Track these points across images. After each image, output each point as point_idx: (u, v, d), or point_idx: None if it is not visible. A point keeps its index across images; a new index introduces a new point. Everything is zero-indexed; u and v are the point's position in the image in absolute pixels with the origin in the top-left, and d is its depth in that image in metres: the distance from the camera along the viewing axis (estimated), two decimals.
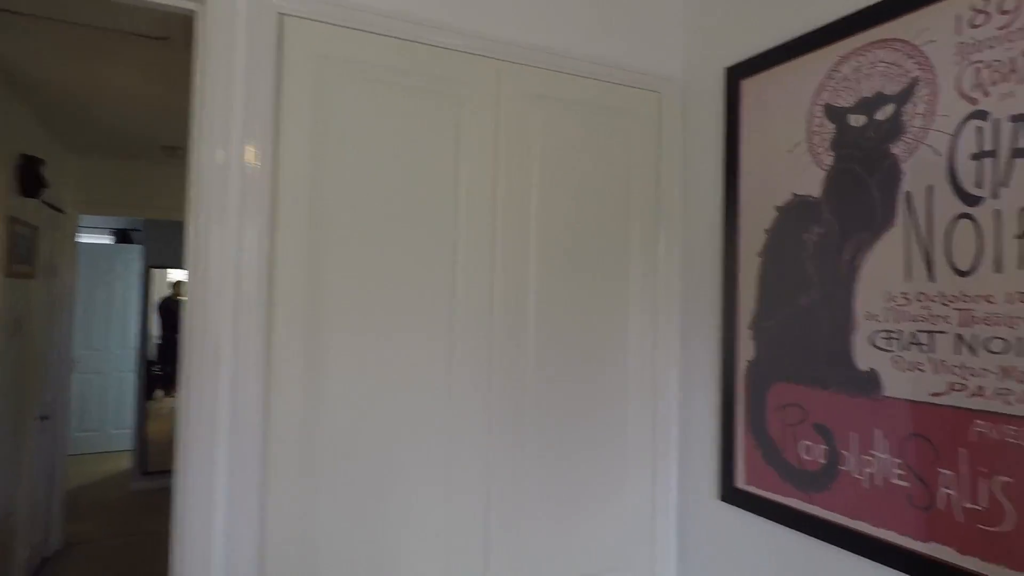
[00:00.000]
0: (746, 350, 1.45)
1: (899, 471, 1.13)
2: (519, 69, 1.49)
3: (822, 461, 1.27)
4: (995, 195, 1.01)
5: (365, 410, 1.31)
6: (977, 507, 1.02)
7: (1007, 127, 1.00)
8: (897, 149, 1.15)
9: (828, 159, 1.28)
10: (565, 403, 1.54)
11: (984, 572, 1.00)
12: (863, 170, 1.21)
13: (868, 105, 1.20)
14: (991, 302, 1.01)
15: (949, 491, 1.06)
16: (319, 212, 1.28)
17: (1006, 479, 0.98)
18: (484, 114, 1.44)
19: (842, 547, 1.21)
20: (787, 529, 1.34)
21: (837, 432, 1.24)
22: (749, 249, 1.45)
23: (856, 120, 1.22)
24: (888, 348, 1.16)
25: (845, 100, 1.25)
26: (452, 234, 1.40)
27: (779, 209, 1.38)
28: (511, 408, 1.47)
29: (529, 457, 1.49)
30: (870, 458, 1.18)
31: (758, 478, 1.41)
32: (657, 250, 1.66)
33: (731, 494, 1.48)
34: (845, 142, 1.24)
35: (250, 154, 1.21)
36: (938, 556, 1.07)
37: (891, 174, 1.16)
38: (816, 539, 1.27)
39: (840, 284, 1.24)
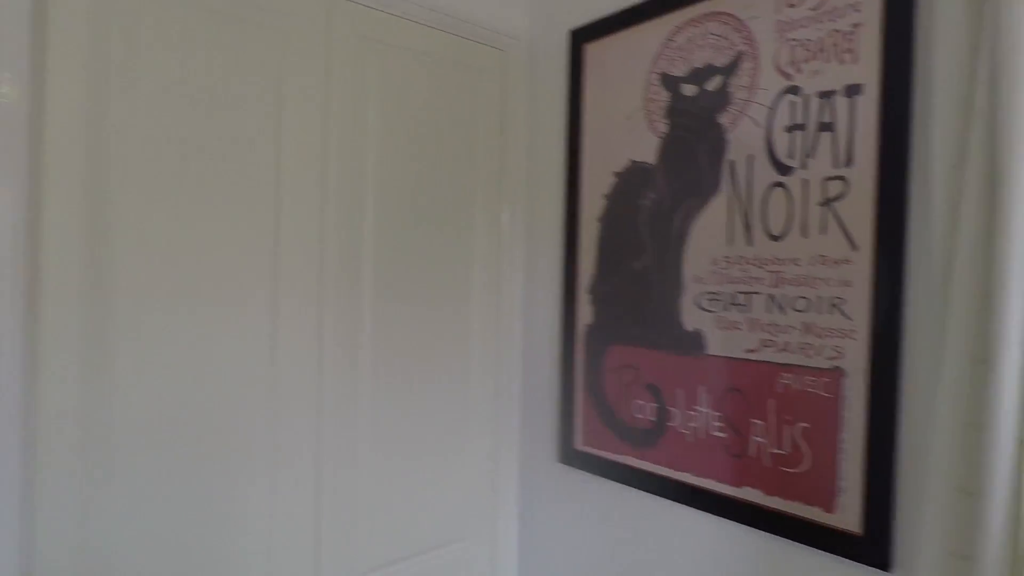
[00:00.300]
0: (585, 314, 1.48)
1: (718, 423, 1.21)
2: (353, 7, 1.35)
3: (652, 419, 1.33)
4: (804, 165, 1.09)
5: (169, 398, 1.13)
6: (781, 452, 1.12)
7: (815, 102, 1.08)
8: (724, 119, 1.20)
9: (663, 126, 1.31)
10: (404, 372, 1.47)
11: (785, 509, 1.11)
12: (693, 138, 1.25)
13: (699, 75, 1.25)
14: (798, 264, 1.10)
15: (759, 439, 1.15)
16: (102, 161, 1.05)
17: (805, 425, 1.09)
18: (313, 54, 1.29)
19: (670, 498, 1.28)
20: (622, 486, 1.40)
21: (666, 391, 1.30)
22: (589, 214, 1.47)
23: (688, 89, 1.26)
24: (712, 309, 1.22)
25: (679, 69, 1.28)
26: (274, 189, 1.24)
27: (618, 175, 1.40)
28: (345, 382, 1.36)
29: (364, 435, 1.40)
30: (694, 413, 1.25)
31: (596, 438, 1.45)
32: (501, 213, 1.63)
33: (570, 456, 1.51)
34: (678, 110, 1.28)
35: None
36: (749, 499, 1.16)
37: (717, 143, 1.21)
38: (648, 493, 1.34)
39: (671, 248, 1.29)
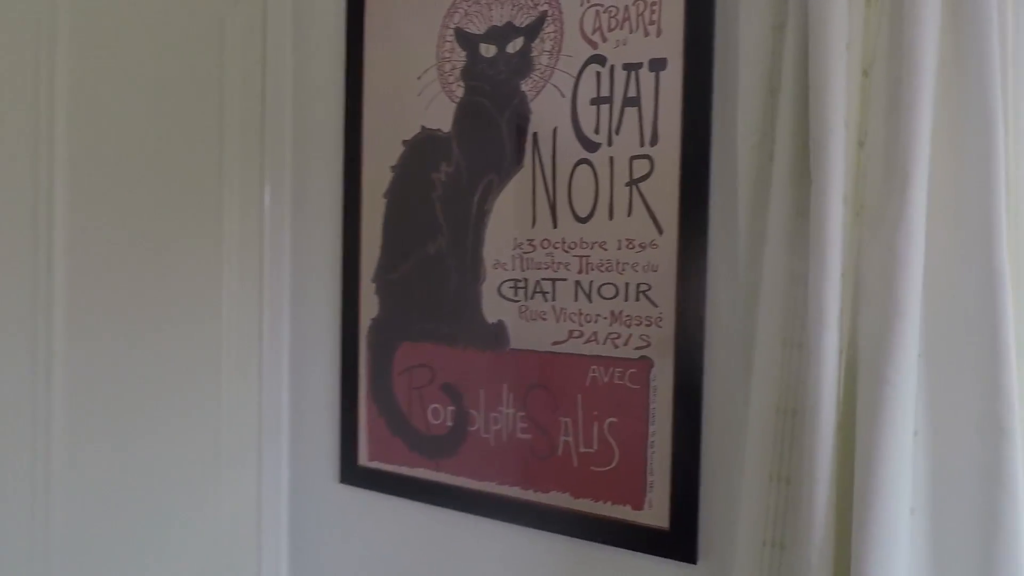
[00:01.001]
0: (370, 306, 1.26)
1: (523, 424, 1.10)
2: None
3: (450, 424, 1.17)
4: (610, 142, 1.01)
5: None
6: (590, 450, 1.04)
7: (621, 75, 1.01)
8: (527, 86, 1.08)
9: (459, 90, 1.15)
10: (131, 396, 1.10)
11: (595, 512, 1.03)
12: (493, 106, 1.11)
13: (499, 35, 1.11)
14: (605, 249, 1.02)
15: (567, 438, 1.06)
16: None
17: (613, 419, 1.02)
18: None
19: (473, 512, 1.14)
20: (414, 503, 1.21)
21: (466, 392, 1.15)
22: (373, 190, 1.25)
23: (487, 50, 1.12)
24: (515, 298, 1.10)
25: (477, 26, 1.13)
26: None
27: (407, 144, 1.20)
28: (33, 415, 0.96)
29: (87, 477, 1.01)
30: (497, 415, 1.12)
31: (384, 451, 1.24)
32: (263, 191, 1.32)
33: (353, 474, 1.28)
34: (476, 73, 1.13)
35: None
36: (558, 504, 1.07)
37: (520, 112, 1.09)
38: (444, 508, 1.17)
39: (470, 230, 1.14)
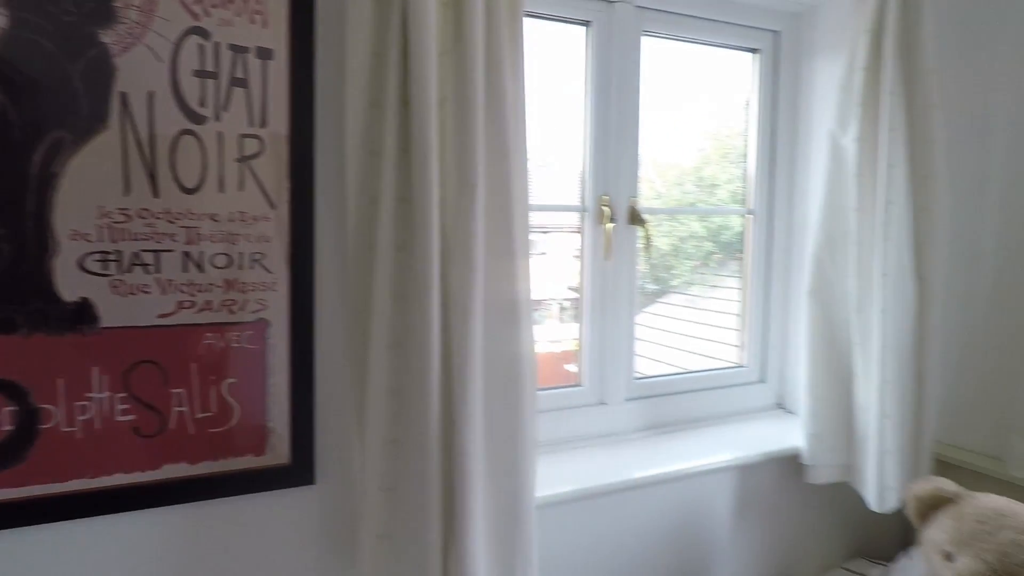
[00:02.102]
0: None
1: (124, 406, 1.03)
2: None
3: (10, 428, 0.97)
4: (218, 117, 1.05)
5: None
6: (208, 414, 1.08)
7: (227, 54, 1.05)
8: (108, 39, 0.98)
9: (1, 18, 0.92)
10: None
11: (217, 470, 1.09)
12: (60, 52, 0.95)
13: None
14: (216, 220, 1.06)
15: (182, 408, 1.06)
16: None
17: (233, 380, 1.09)
18: None
19: (64, 519, 0.99)
20: None
21: (36, 385, 0.97)
22: None
23: None
24: (106, 272, 1.00)
25: None
26: None
27: None
28: None
29: None
30: (87, 403, 1.01)
31: None
32: None
33: None
34: (29, 3, 0.93)
35: None
36: (173, 476, 1.06)
37: (101, 67, 0.98)
38: (25, 527, 0.97)
39: (31, 194, 0.95)
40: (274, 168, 1.09)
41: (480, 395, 1.05)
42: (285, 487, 1.14)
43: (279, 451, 1.14)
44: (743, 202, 1.86)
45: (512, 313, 1.09)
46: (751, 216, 1.84)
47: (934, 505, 1.28)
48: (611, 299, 1.61)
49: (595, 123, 1.56)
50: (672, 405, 1.72)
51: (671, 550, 1.52)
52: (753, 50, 1.80)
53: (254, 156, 1.08)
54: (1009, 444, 1.64)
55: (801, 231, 1.80)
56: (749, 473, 1.60)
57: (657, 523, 1.48)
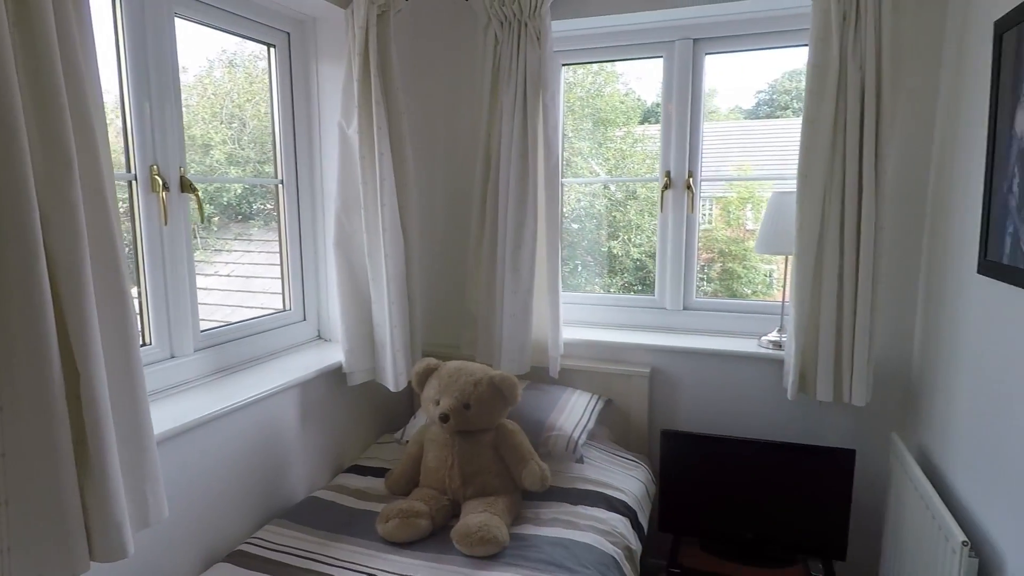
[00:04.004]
0: None
1: None
2: None
3: None
4: None
5: None
6: None
7: None
8: None
9: None
10: None
11: None
12: None
13: None
14: None
15: None
16: None
17: None
18: None
19: None
20: None
21: None
22: None
23: None
24: None
25: None
26: None
27: None
28: None
29: None
30: None
31: None
32: None
33: None
34: None
35: None
36: None
37: None
38: None
39: None
40: None
41: (100, 353, 1.14)
42: None
43: None
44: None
45: (116, 276, 1.20)
46: (281, 185, 2.22)
47: (426, 374, 2.01)
48: (171, 262, 1.76)
49: (135, 98, 1.65)
50: (236, 349, 1.99)
51: (259, 458, 1.84)
52: (270, 45, 2.15)
53: None
54: (457, 335, 2.58)
55: (322, 197, 2.30)
56: (306, 388, 2.04)
57: (244, 441, 1.78)
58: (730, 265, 2.80)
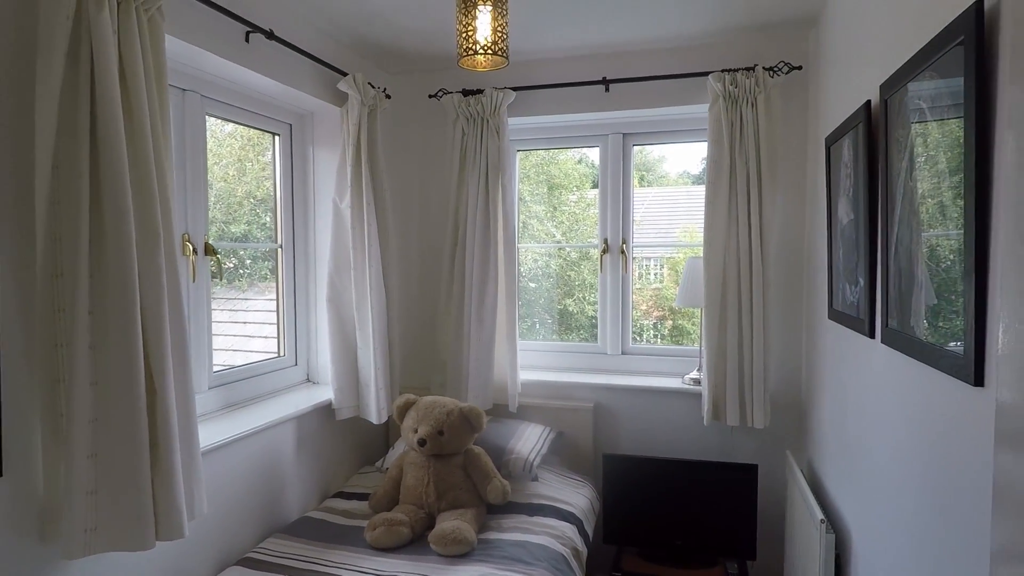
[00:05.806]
0: None
1: None
2: None
3: None
4: None
5: None
6: None
7: None
8: None
9: None
10: None
11: None
12: None
13: None
14: None
15: None
16: None
17: None
18: None
19: None
20: None
21: None
22: None
23: None
24: None
25: None
26: None
27: None
28: None
29: None
30: None
31: None
32: None
33: None
34: None
35: None
36: None
37: None
38: None
39: None
40: None
41: (171, 378, 1.50)
42: None
43: None
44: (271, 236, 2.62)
45: (180, 320, 1.57)
46: (281, 248, 2.62)
47: (406, 407, 2.39)
48: (195, 312, 2.12)
49: (177, 180, 2.05)
50: (240, 387, 2.33)
51: (262, 480, 2.16)
52: (275, 134, 2.60)
53: None
54: (429, 377, 2.97)
55: (316, 259, 2.71)
56: (301, 422, 2.39)
57: (251, 464, 2.10)
58: (680, 322, 3.20)
